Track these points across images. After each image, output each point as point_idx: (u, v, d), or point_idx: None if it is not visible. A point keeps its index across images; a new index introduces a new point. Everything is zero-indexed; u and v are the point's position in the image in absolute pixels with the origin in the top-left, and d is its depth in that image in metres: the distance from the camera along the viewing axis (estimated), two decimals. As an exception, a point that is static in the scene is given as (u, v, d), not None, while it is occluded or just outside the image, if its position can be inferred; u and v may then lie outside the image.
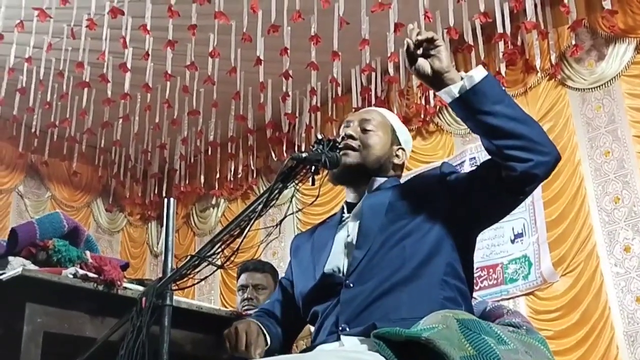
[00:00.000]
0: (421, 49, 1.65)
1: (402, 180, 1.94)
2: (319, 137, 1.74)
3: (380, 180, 1.89)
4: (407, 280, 1.65)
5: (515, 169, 1.60)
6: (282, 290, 1.98)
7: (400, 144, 1.96)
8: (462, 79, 1.62)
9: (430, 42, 1.65)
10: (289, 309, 1.91)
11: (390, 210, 1.76)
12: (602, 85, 5.82)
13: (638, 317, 5.17)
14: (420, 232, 1.71)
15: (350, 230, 1.82)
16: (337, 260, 1.77)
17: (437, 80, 1.64)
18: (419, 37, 1.65)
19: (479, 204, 1.71)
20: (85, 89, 6.12)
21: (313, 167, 1.68)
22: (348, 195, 1.94)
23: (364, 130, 1.90)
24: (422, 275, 1.66)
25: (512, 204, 1.73)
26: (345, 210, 1.92)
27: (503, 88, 1.72)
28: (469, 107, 1.62)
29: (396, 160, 1.94)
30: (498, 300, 4.36)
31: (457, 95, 1.62)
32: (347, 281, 1.70)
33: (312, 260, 1.85)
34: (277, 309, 1.95)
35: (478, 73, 1.62)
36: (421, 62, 1.65)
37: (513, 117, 1.62)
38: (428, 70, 1.64)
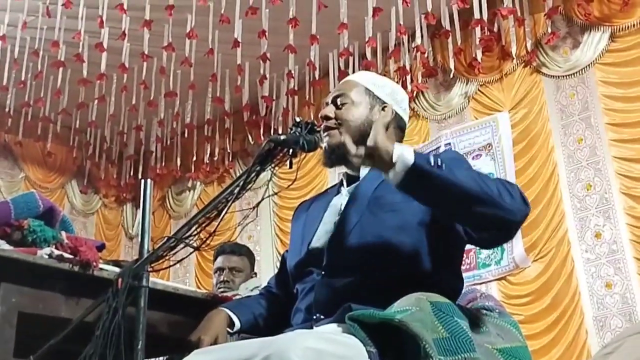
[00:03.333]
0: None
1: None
2: (297, 119, 1.74)
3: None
4: (382, 280, 1.65)
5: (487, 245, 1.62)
6: (281, 264, 1.98)
7: (384, 102, 1.87)
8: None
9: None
10: (287, 281, 1.89)
11: (373, 202, 1.74)
12: (576, 72, 5.88)
13: (607, 302, 5.27)
14: (401, 226, 1.69)
15: (341, 207, 1.82)
16: (323, 239, 1.77)
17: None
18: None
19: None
20: (61, 69, 6.05)
21: (291, 150, 1.68)
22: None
23: (339, 107, 1.86)
24: (400, 268, 1.66)
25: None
26: (344, 182, 1.90)
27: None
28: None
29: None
30: (471, 285, 4.43)
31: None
32: (323, 272, 1.71)
33: (302, 234, 1.85)
34: (274, 282, 1.98)
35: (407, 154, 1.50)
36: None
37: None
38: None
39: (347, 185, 1.88)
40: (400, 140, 1.92)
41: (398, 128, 1.91)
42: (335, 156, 1.83)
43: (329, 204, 1.87)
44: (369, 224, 1.71)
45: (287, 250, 1.96)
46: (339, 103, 1.86)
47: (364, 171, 1.85)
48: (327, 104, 1.90)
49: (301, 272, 1.77)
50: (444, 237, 1.70)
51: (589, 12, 5.72)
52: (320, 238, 1.78)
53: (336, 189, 1.93)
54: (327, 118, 1.85)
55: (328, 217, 1.82)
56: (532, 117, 5.97)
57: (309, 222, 1.86)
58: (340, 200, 1.85)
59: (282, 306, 1.86)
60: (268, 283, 2.02)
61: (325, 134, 1.81)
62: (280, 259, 2.03)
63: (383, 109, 1.86)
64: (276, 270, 2.02)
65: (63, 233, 1.79)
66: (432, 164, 1.48)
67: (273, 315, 1.88)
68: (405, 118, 1.95)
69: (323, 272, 1.71)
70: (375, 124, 1.55)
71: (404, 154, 1.49)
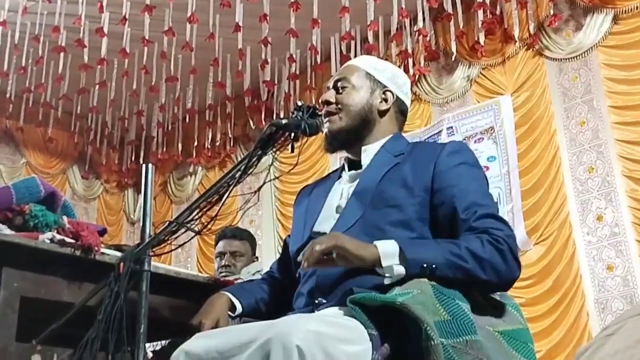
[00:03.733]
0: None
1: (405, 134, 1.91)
2: (299, 103, 1.73)
3: (371, 147, 1.83)
4: None
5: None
6: (283, 249, 1.99)
7: (385, 86, 1.88)
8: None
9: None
10: (288, 266, 1.89)
11: (376, 196, 1.72)
12: (579, 55, 5.84)
13: (608, 285, 5.28)
14: (404, 221, 1.68)
15: (344, 192, 1.81)
16: (325, 223, 1.77)
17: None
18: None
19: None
20: (61, 54, 6.03)
21: (292, 134, 1.68)
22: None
23: (339, 91, 1.86)
24: None
25: None
26: (346, 167, 1.90)
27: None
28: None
29: (383, 106, 1.86)
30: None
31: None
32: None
33: (304, 219, 1.85)
34: (275, 267, 1.99)
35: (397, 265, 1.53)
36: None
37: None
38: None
39: (349, 170, 1.88)
40: (402, 124, 1.93)
41: (399, 112, 1.91)
42: (337, 142, 1.83)
43: (331, 189, 1.86)
44: (372, 218, 1.70)
45: (289, 235, 1.96)
46: (339, 87, 1.86)
47: (365, 157, 1.84)
48: (328, 88, 1.90)
49: None
50: (444, 231, 1.69)
51: (592, -6, 5.69)
52: (322, 223, 1.78)
53: (338, 174, 1.92)
54: (327, 103, 1.85)
55: (330, 202, 1.82)
56: (535, 100, 5.95)
57: (311, 207, 1.86)
58: (341, 187, 1.84)
59: (284, 291, 1.86)
60: (270, 268, 2.03)
61: (326, 119, 1.81)
62: (282, 243, 2.03)
63: (384, 93, 1.86)
64: (278, 255, 2.03)
65: (64, 218, 1.79)
66: (425, 268, 1.51)
67: (275, 299, 1.89)
68: (407, 102, 1.95)
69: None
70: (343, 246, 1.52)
71: (393, 268, 1.52)
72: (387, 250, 1.53)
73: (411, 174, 1.72)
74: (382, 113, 1.87)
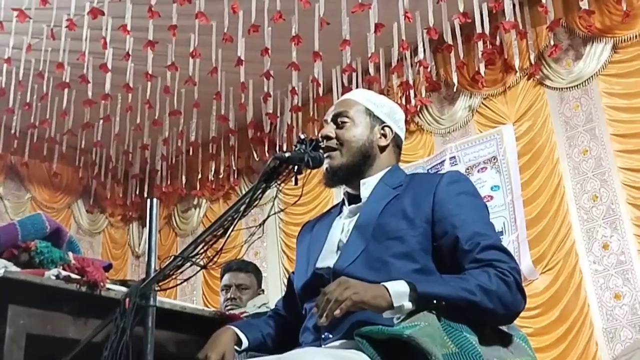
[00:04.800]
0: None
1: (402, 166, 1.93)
2: (302, 136, 1.74)
3: (370, 181, 1.85)
4: None
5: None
6: (288, 286, 1.98)
7: (383, 122, 1.90)
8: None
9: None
10: (295, 303, 1.88)
11: (378, 229, 1.72)
12: (580, 84, 5.88)
13: (616, 313, 5.24)
14: (406, 253, 1.68)
15: (345, 227, 1.81)
16: (328, 259, 1.77)
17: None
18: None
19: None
20: (66, 90, 6.09)
21: (296, 167, 1.68)
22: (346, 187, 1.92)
23: (339, 126, 1.87)
24: None
25: None
26: (346, 202, 1.90)
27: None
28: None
29: (382, 142, 1.88)
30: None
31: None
32: None
33: (307, 255, 1.85)
34: (281, 305, 1.98)
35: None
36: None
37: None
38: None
39: (349, 204, 1.88)
40: (398, 157, 1.94)
41: (396, 146, 1.93)
42: (337, 178, 1.84)
43: (332, 224, 1.87)
44: (375, 250, 1.70)
45: (293, 272, 1.96)
46: (339, 122, 1.87)
47: (364, 191, 1.84)
48: (326, 122, 1.91)
49: (308, 293, 1.77)
50: (446, 261, 1.69)
51: (590, 24, 5.73)
52: (324, 259, 1.78)
53: (338, 209, 1.93)
54: (328, 138, 1.85)
55: (332, 238, 1.82)
56: (537, 129, 5.97)
57: (313, 243, 1.86)
58: (342, 222, 1.84)
59: (290, 327, 1.85)
60: (276, 305, 2.03)
61: (326, 154, 1.81)
62: (287, 279, 2.03)
63: (383, 129, 1.89)
64: (284, 290, 2.02)
65: (70, 254, 1.79)
66: (435, 303, 1.52)
67: (281, 334, 1.88)
68: (403, 135, 1.97)
69: None
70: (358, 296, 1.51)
71: (404, 306, 1.51)
72: (398, 291, 1.52)
73: (411, 206, 1.73)
74: (382, 149, 1.89)
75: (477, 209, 1.74)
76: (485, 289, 1.54)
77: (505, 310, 1.57)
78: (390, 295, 1.51)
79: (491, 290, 1.55)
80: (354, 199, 1.87)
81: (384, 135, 1.89)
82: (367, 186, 1.84)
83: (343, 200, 1.93)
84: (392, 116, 1.93)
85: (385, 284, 1.53)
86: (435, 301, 1.51)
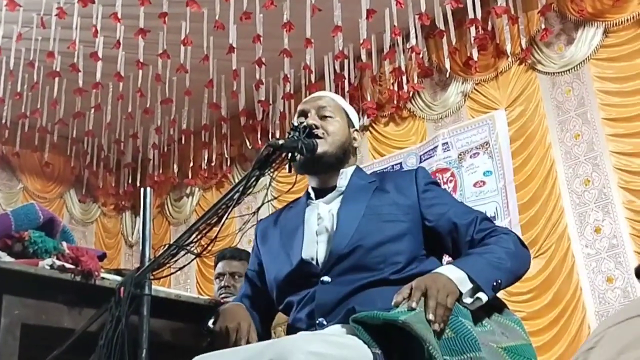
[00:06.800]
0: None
1: (364, 166, 1.97)
2: (295, 124, 1.75)
3: (347, 171, 1.89)
4: (384, 282, 1.66)
5: None
6: (249, 284, 1.96)
7: (354, 126, 1.98)
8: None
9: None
10: (260, 301, 1.89)
11: (369, 211, 1.76)
12: (571, 69, 5.88)
13: (609, 297, 5.27)
14: (401, 234, 1.72)
15: (323, 216, 1.82)
16: (311, 248, 1.77)
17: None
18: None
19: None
20: (56, 79, 6.05)
21: (290, 154, 1.69)
22: (312, 180, 1.94)
23: (323, 117, 1.89)
24: (399, 278, 1.66)
25: None
26: (312, 196, 1.91)
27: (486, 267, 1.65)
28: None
29: (355, 144, 1.96)
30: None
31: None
32: (323, 278, 1.70)
33: (282, 246, 1.84)
34: (246, 304, 1.90)
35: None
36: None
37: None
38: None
39: (316, 198, 1.89)
40: (355, 158, 1.97)
41: (356, 153, 1.99)
42: (319, 164, 1.84)
43: (304, 217, 1.86)
44: (368, 231, 1.72)
45: (252, 270, 1.95)
46: (322, 115, 1.90)
47: (341, 181, 1.87)
48: (307, 112, 1.91)
49: (293, 283, 1.76)
50: (441, 243, 1.78)
51: (582, 8, 5.73)
52: (308, 247, 1.78)
53: (304, 202, 1.92)
54: (315, 127, 1.85)
55: (310, 227, 1.82)
56: (529, 114, 5.98)
57: (287, 235, 1.85)
58: (317, 211, 1.85)
59: (264, 321, 1.89)
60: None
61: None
62: (245, 278, 2.00)
63: (354, 132, 1.97)
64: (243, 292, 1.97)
65: (64, 243, 1.79)
66: (495, 286, 1.61)
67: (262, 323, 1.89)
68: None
69: (325, 278, 1.70)
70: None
71: (480, 298, 1.56)
72: (459, 277, 1.56)
73: (396, 193, 1.81)
74: (353, 150, 1.96)
75: (453, 197, 1.97)
76: (510, 252, 1.68)
77: (527, 266, 1.77)
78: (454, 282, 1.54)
79: (514, 251, 1.70)
80: (322, 192, 1.89)
81: (355, 139, 1.97)
82: (343, 177, 1.88)
83: (308, 194, 1.93)
84: (357, 123, 2.02)
85: (440, 270, 1.58)
86: (495, 283, 1.59)
